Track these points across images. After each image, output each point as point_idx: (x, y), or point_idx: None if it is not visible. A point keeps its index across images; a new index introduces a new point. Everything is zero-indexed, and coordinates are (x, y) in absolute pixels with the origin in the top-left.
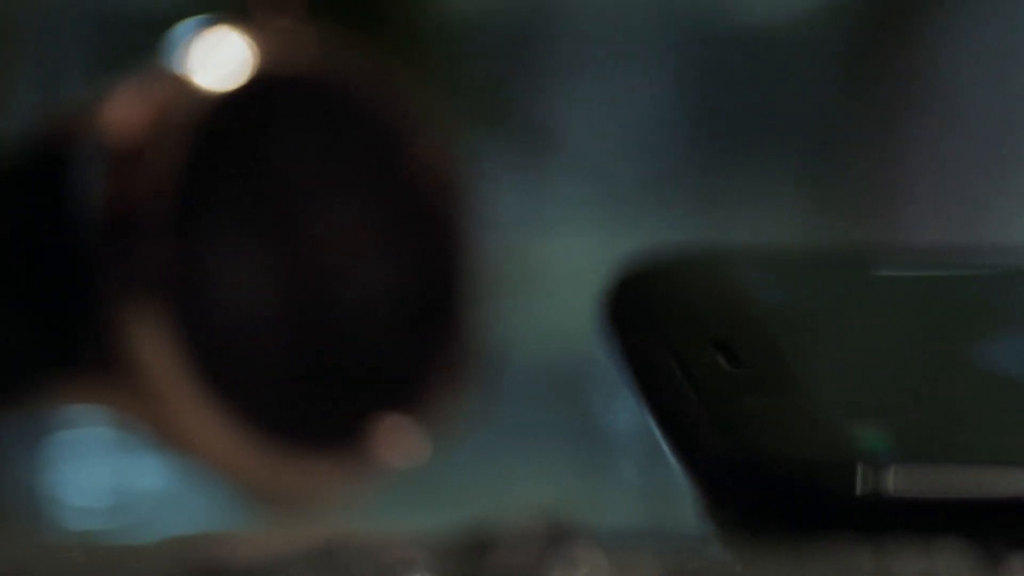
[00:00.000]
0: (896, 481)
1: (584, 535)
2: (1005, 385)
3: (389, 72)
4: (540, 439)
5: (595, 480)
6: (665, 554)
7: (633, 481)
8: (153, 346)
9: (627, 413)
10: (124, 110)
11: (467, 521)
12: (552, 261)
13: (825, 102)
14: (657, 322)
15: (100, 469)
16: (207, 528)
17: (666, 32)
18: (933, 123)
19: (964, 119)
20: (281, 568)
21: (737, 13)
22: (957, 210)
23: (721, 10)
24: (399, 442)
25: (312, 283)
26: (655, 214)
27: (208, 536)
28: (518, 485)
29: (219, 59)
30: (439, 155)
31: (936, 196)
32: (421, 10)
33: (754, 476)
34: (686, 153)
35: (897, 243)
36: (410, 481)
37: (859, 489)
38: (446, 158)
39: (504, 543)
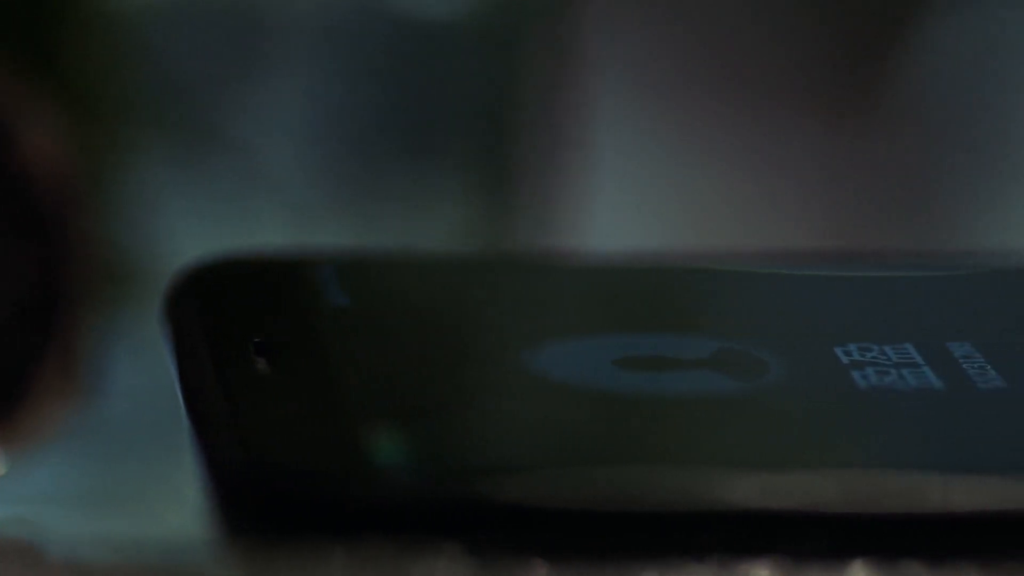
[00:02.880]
0: (393, 488)
1: (58, 547)
2: (557, 390)
3: None
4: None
5: (161, 486)
6: (137, 563)
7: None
8: None
9: None
10: None
11: None
12: None
13: (504, 100)
14: (203, 323)
15: None
16: None
17: (341, 28)
18: (611, 124)
19: (642, 122)
20: None
21: (413, 8)
22: (634, 215)
23: (395, 5)
24: None
25: None
26: (334, 216)
27: None
28: (102, 492)
29: None
30: (51, 152)
31: (613, 200)
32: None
33: (253, 482)
34: (363, 154)
35: (573, 246)
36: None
37: (359, 496)
38: (59, 156)
39: None
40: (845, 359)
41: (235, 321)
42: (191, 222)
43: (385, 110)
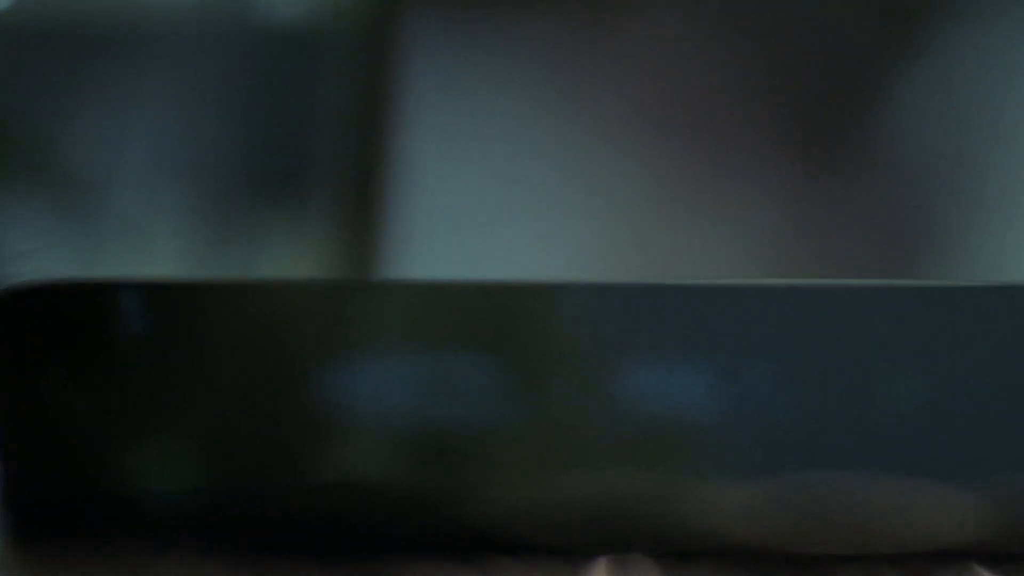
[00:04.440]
0: (148, 509)
1: None
2: (323, 413)
3: None
4: None
5: None
6: None
7: None
8: None
9: None
10: None
11: None
12: None
13: (352, 126)
14: None
15: None
16: None
17: (186, 56)
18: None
19: (488, 143)
20: None
21: (258, 34)
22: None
23: (239, 31)
24: None
25: None
26: (177, 244)
27: None
28: None
29: None
30: None
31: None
32: None
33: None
34: (209, 182)
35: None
36: None
37: (112, 518)
38: None
39: None
40: None
41: (27, 346)
42: (32, 254)
43: (229, 139)
